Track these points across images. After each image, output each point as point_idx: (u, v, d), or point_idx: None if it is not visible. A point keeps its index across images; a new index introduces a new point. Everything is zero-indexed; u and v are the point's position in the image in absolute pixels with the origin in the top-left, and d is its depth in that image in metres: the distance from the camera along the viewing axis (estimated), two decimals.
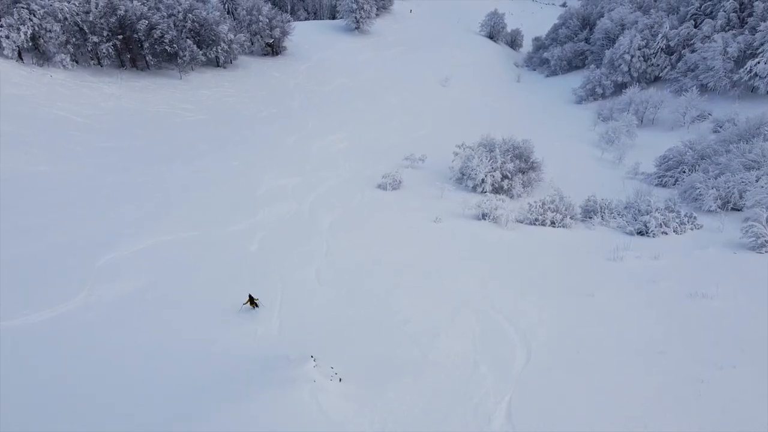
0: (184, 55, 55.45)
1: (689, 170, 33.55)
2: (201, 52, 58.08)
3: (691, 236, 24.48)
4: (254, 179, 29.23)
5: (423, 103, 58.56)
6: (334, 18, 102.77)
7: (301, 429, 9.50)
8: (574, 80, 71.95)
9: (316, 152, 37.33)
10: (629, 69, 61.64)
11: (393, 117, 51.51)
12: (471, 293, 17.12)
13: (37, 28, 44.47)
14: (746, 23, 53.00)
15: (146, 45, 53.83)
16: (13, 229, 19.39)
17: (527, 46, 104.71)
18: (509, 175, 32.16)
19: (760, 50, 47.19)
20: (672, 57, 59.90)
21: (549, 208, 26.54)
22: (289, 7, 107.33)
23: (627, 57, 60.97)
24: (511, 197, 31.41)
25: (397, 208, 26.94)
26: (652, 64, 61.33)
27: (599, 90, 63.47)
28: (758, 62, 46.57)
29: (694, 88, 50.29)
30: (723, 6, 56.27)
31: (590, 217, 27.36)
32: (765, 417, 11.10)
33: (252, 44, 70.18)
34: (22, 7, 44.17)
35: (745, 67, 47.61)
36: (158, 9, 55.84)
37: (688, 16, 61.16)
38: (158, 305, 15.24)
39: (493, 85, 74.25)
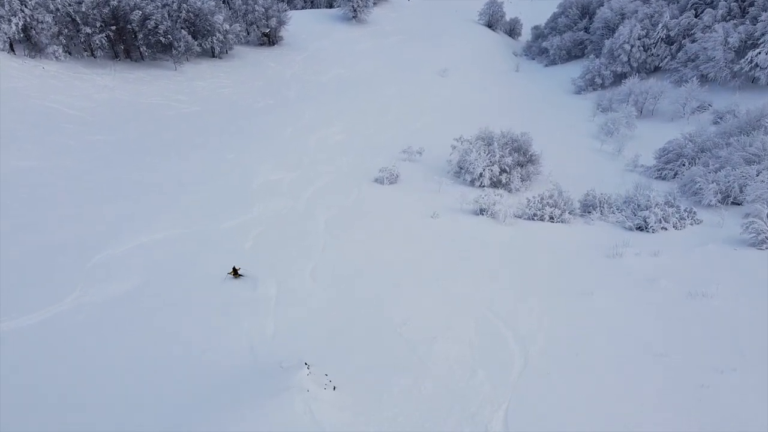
0: (179, 46, 54.75)
1: (689, 163, 33.27)
2: (196, 43, 57.36)
3: (690, 232, 24.25)
4: (250, 173, 28.88)
5: (421, 93, 58.11)
6: (331, 7, 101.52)
7: None
8: (574, 70, 71.33)
9: (312, 145, 36.96)
10: (629, 59, 61.07)
11: (390, 108, 51.06)
12: (468, 294, 16.87)
13: (28, 19, 43.76)
14: (747, 13, 52.50)
15: (140, 36, 53.09)
16: (2, 227, 19.07)
17: (526, 34, 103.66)
18: (507, 168, 31.81)
19: (761, 40, 46.75)
20: (672, 47, 59.32)
21: (548, 203, 26.24)
22: None
23: (627, 47, 60.38)
24: (509, 191, 31.10)
25: (394, 204, 26.62)
26: (652, 54, 60.76)
27: (598, 80, 62.91)
28: (759, 53, 46.15)
29: (695, 78, 49.86)
30: None
31: (589, 212, 27.07)
32: (765, 421, 10.91)
33: (248, 34, 69.41)
34: None
35: (745, 57, 47.18)
36: None
37: (689, 5, 60.54)
38: (150, 307, 14.96)
39: (491, 75, 73.70)
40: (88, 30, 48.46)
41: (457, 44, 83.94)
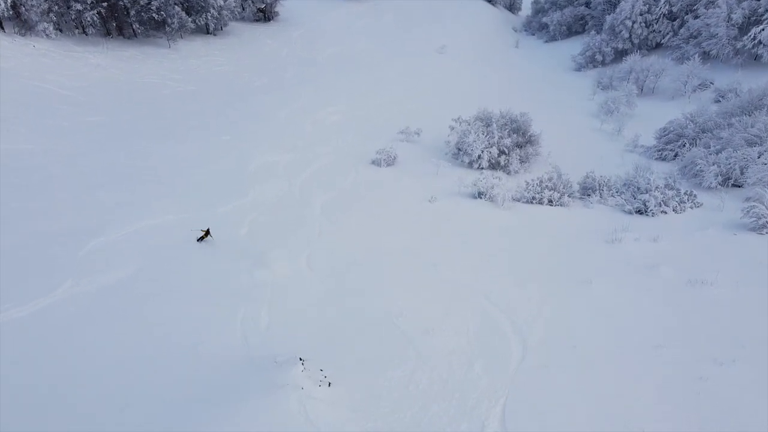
0: (173, 23, 53.63)
1: (690, 144, 32.90)
2: (190, 19, 56.15)
3: (690, 215, 24.03)
4: (245, 156, 28.46)
5: (419, 72, 57.19)
6: None
7: None
8: (574, 46, 70.35)
9: (309, 126, 36.37)
10: (630, 35, 60.17)
11: (388, 87, 50.24)
12: (466, 282, 16.71)
13: None
14: None
15: (132, 12, 51.98)
16: None
17: (526, 9, 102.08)
18: (506, 150, 31.40)
19: (765, 17, 45.91)
20: (674, 23, 58.37)
21: (546, 186, 25.94)
22: None
23: (628, 23, 59.41)
24: (508, 173, 30.75)
25: (391, 187, 26.30)
26: (654, 30, 59.79)
27: (599, 57, 62.08)
28: (763, 29, 45.34)
29: (696, 55, 49.24)
30: None
31: (588, 195, 26.79)
32: (765, 416, 10.85)
33: (243, 9, 68.18)
34: None
35: (749, 34, 46.36)
36: None
37: None
38: (144, 297, 14.72)
39: (491, 52, 72.62)
40: (79, 6, 47.35)
41: (455, 20, 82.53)
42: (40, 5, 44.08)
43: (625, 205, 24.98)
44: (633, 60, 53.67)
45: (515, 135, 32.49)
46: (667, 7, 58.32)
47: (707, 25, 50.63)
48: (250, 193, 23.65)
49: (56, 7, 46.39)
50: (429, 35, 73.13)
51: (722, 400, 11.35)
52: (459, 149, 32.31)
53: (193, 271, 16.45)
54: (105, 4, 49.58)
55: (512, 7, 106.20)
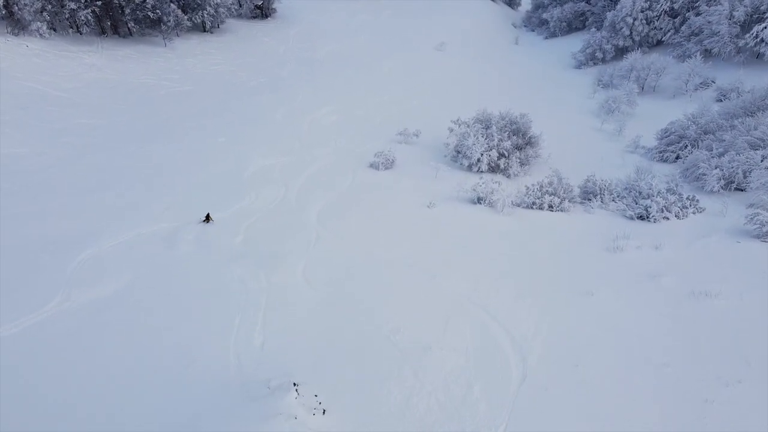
0: (168, 21, 52.97)
1: (691, 146, 32.46)
2: (186, 17, 55.57)
3: (693, 221, 23.62)
4: (241, 159, 28.05)
5: (418, 70, 56.69)
6: None
7: None
8: (574, 43, 69.84)
9: (306, 127, 35.91)
10: (631, 32, 59.60)
11: (387, 85, 49.77)
12: (464, 294, 16.33)
13: None
14: None
15: (127, 11, 51.37)
16: None
17: (526, 4, 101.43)
18: (506, 153, 30.98)
19: (767, 14, 45.36)
20: (676, 20, 57.81)
21: (547, 191, 25.56)
22: None
23: (629, 20, 58.83)
24: (507, 177, 30.32)
25: (389, 192, 25.88)
26: (655, 28, 59.27)
27: (599, 54, 61.56)
28: (765, 27, 44.81)
29: (698, 53, 48.70)
30: None
31: (589, 200, 26.38)
32: None
33: (240, 6, 67.63)
34: None
35: (751, 32, 45.83)
36: None
37: None
38: (136, 313, 14.32)
39: (490, 49, 72.07)
40: (73, 5, 46.81)
41: (454, 16, 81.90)
42: (33, 4, 43.54)
43: (626, 210, 24.59)
44: (634, 58, 53.08)
45: (515, 137, 32.08)
46: (668, 4, 57.76)
47: (709, 22, 50.12)
48: (245, 199, 23.28)
49: (50, 5, 45.86)
50: (428, 31, 72.51)
51: (728, 422, 11.04)
52: (458, 152, 31.88)
53: (186, 283, 16.07)
54: (99, 2, 48.94)
55: (512, 3, 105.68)
